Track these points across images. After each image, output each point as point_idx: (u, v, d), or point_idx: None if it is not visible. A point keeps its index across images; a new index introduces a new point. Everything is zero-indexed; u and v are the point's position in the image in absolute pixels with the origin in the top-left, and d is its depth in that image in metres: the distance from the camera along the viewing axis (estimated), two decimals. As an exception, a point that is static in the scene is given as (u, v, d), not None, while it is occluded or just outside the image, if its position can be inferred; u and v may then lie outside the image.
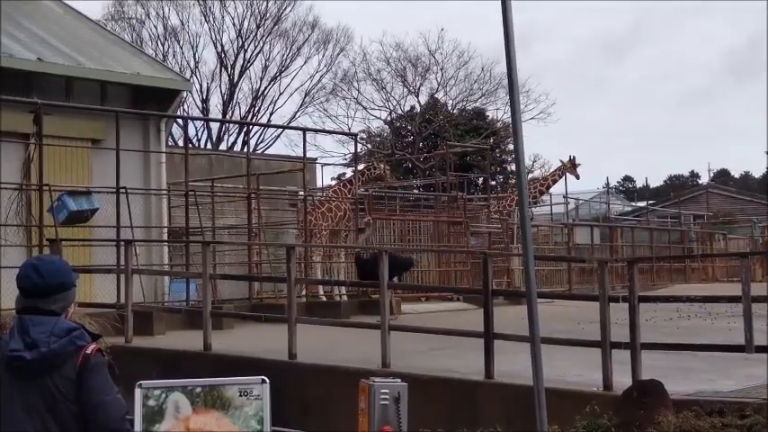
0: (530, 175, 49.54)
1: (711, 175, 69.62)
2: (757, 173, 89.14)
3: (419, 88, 51.76)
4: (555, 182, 31.42)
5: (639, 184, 79.80)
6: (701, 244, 40.20)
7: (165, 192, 20.52)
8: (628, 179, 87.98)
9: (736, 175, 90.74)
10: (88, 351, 4.35)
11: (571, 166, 30.79)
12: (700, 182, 75.40)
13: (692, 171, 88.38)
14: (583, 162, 31.09)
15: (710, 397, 9.44)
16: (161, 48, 49.80)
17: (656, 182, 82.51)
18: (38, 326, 4.35)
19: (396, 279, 18.25)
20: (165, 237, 20.67)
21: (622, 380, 10.01)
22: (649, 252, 33.94)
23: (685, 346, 11.80)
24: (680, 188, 68.77)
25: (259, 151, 45.47)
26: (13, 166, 17.24)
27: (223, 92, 51.72)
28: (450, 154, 31.55)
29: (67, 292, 4.53)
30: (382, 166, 26.32)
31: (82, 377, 4.31)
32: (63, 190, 17.02)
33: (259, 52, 51.35)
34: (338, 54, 52.32)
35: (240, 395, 4.69)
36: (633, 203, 55.99)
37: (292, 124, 48.14)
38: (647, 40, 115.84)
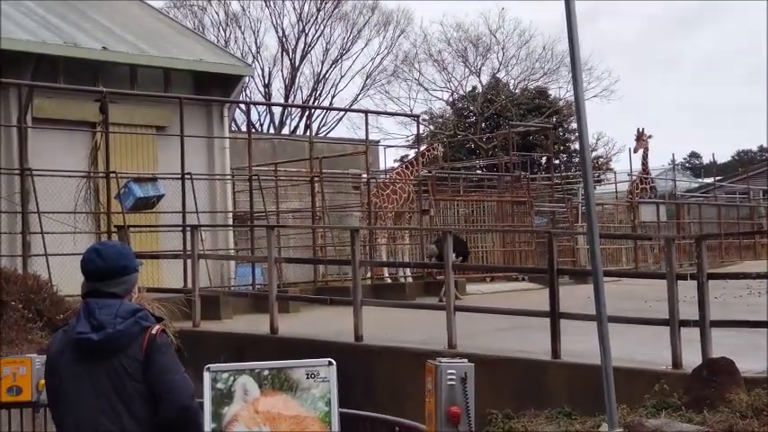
0: (593, 153, 49.29)
1: (781, 149, 68.34)
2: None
3: (480, 68, 51.55)
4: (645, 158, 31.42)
5: (706, 160, 78.50)
6: (772, 219, 39.54)
7: (229, 177, 20.67)
8: (694, 155, 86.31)
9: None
10: (153, 331, 4.42)
11: (638, 139, 30.58)
12: (769, 156, 73.88)
13: (761, 146, 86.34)
14: (649, 139, 30.73)
15: (783, 374, 9.27)
16: (223, 34, 50.21)
17: (723, 157, 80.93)
18: (103, 308, 4.42)
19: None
20: (230, 221, 20.84)
21: (692, 358, 9.87)
22: (717, 229, 33.41)
23: (756, 323, 11.54)
24: (748, 163, 67.44)
25: (321, 135, 45.64)
26: (80, 155, 17.52)
27: (285, 76, 52.02)
28: (512, 133, 31.36)
29: (130, 276, 4.60)
30: (440, 147, 26.29)
31: (149, 358, 4.37)
32: (129, 177, 17.22)
33: (320, 36, 51.54)
34: (399, 36, 52.35)
35: (307, 377, 4.72)
36: (700, 180, 55.11)
37: (354, 107, 48.25)
38: (714, 16, 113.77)
